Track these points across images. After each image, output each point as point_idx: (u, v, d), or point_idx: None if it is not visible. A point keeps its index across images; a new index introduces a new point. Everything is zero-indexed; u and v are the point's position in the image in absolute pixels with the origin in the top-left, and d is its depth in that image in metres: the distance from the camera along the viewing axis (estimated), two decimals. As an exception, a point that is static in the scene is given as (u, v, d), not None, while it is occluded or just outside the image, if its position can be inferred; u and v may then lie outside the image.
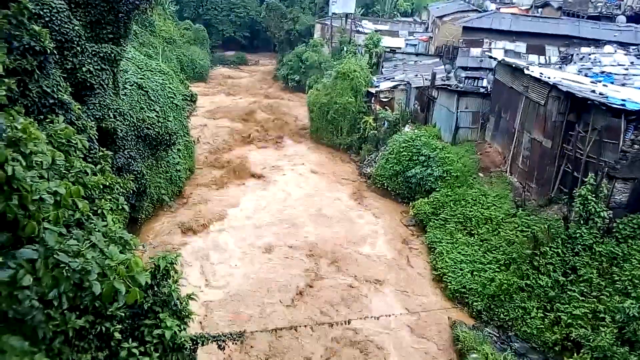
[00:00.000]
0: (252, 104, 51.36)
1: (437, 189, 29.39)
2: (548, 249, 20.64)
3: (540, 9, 54.04)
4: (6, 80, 7.95)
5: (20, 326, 6.65)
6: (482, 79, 35.87)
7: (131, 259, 7.48)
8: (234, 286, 22.36)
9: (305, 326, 18.29)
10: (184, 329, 11.21)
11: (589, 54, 36.36)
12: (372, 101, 39.33)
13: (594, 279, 19.49)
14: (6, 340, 6.21)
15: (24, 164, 6.65)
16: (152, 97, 28.84)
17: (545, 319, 19.41)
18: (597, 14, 47.96)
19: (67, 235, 7.47)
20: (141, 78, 29.38)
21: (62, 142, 10.62)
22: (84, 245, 7.26)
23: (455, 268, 23.28)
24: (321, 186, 33.61)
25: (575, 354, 17.14)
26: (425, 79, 37.28)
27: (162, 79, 31.65)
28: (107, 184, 13.50)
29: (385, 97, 38.84)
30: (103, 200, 12.18)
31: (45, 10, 17.86)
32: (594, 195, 20.15)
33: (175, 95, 32.19)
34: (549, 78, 25.21)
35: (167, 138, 27.00)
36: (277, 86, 60.49)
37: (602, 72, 30.50)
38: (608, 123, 21.32)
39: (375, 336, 19.66)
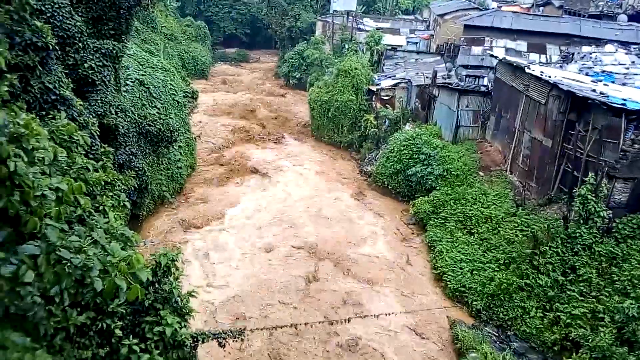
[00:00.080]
0: (253, 101, 51.33)
1: (438, 188, 29.41)
2: (548, 248, 20.67)
3: (541, 8, 54.04)
4: (8, 75, 7.95)
5: (22, 322, 6.66)
6: (483, 77, 35.86)
7: (132, 255, 7.49)
8: (234, 287, 22.24)
9: (305, 324, 18.27)
10: (185, 326, 11.24)
11: (590, 53, 36.34)
12: (373, 99, 39.31)
13: (594, 279, 19.51)
14: (8, 336, 6.23)
15: (26, 160, 6.65)
16: (154, 94, 28.84)
17: (545, 319, 19.43)
18: (599, 13, 47.94)
19: (68, 232, 7.48)
20: (143, 74, 29.38)
21: (64, 138, 10.63)
22: (86, 242, 7.27)
23: (455, 267, 23.28)
24: (322, 185, 33.59)
25: (574, 354, 17.14)
26: (426, 77, 37.29)
27: (164, 76, 31.64)
28: (109, 180, 13.50)
29: (386, 95, 38.83)
30: (104, 196, 12.18)
31: (47, 6, 17.86)
32: (593, 194, 20.16)
33: (176, 92, 32.20)
34: (549, 77, 25.22)
35: (169, 135, 26.99)
36: (278, 83, 60.47)
37: (603, 71, 30.48)
38: (608, 122, 21.33)
39: (374, 336, 19.59)
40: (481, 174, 29.58)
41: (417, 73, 40.45)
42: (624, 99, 21.66)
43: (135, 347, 9.93)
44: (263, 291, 22.03)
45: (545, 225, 21.67)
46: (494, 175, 28.98)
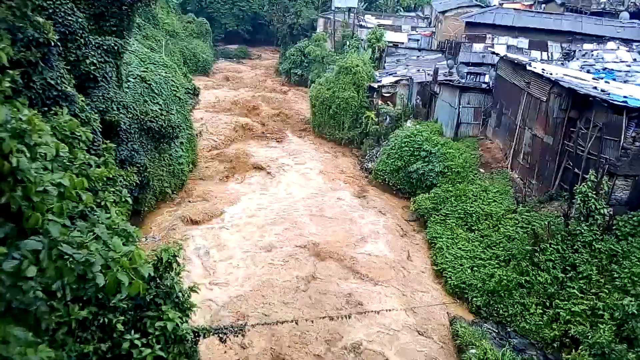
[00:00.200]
0: (254, 98, 51.33)
1: (438, 185, 29.45)
2: (548, 245, 20.69)
3: (543, 5, 53.88)
4: (10, 71, 7.97)
5: (24, 317, 6.69)
6: (484, 74, 35.89)
7: (134, 251, 7.51)
8: (235, 285, 22.18)
9: (306, 320, 18.32)
10: (186, 321, 11.28)
11: (592, 51, 36.35)
12: (374, 96, 39.33)
13: (594, 276, 19.54)
14: (10, 331, 6.26)
15: (29, 155, 6.67)
16: (155, 90, 28.85)
17: (544, 316, 19.48)
18: (600, 10, 47.88)
19: (70, 227, 7.50)
20: (144, 71, 29.38)
21: (66, 134, 10.65)
22: (88, 237, 7.29)
23: (455, 264, 23.32)
24: (323, 182, 33.61)
25: (573, 351, 17.19)
26: (428, 74, 37.30)
27: (165, 72, 31.65)
28: (111, 176, 13.52)
29: (388, 92, 38.84)
30: (106, 192, 12.21)
31: (48, 2, 17.89)
32: (594, 192, 20.19)
33: (178, 89, 32.20)
34: (550, 74, 25.21)
35: (170, 131, 27.03)
36: (280, 80, 60.49)
37: (605, 69, 30.49)
38: (609, 120, 21.33)
39: (376, 337, 19.49)
40: (482, 171, 29.61)
41: (419, 70, 40.47)
42: (625, 97, 21.64)
43: (137, 342, 9.98)
44: (264, 290, 21.89)
45: (546, 223, 21.71)
46: (495, 172, 29.02)
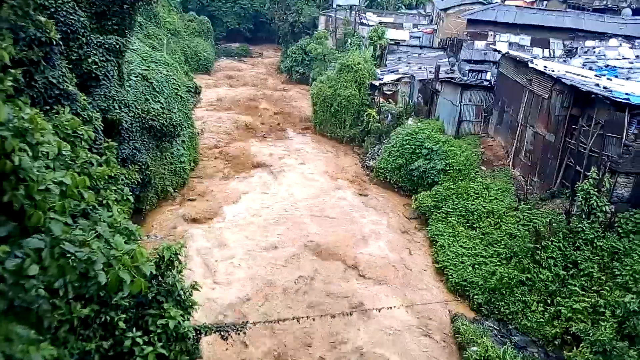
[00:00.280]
0: (255, 96, 51.35)
1: (440, 182, 29.44)
2: (549, 243, 20.70)
3: (545, 2, 53.73)
4: (12, 70, 7.99)
5: (26, 315, 6.72)
6: (486, 72, 35.85)
7: (136, 249, 7.55)
8: (236, 285, 22.10)
9: (307, 317, 18.34)
10: (188, 319, 11.33)
11: (594, 48, 36.28)
12: (376, 94, 39.31)
13: (595, 274, 19.55)
14: (12, 329, 6.30)
15: (31, 154, 6.70)
16: (157, 89, 28.87)
17: (546, 313, 19.49)
18: (603, 7, 47.78)
19: (72, 225, 7.55)
20: (146, 69, 29.39)
21: (68, 132, 10.71)
22: (90, 235, 7.33)
23: (456, 261, 23.32)
24: (324, 180, 33.58)
25: (574, 348, 17.22)
26: (429, 72, 37.28)
27: (167, 71, 31.64)
28: (112, 174, 13.56)
29: (389, 90, 38.83)
30: (108, 190, 12.26)
31: (50, 1, 17.93)
32: (596, 189, 20.19)
33: (179, 87, 32.20)
34: (552, 71, 25.18)
35: (172, 130, 27.08)
36: (281, 78, 60.46)
37: (607, 66, 30.44)
38: (612, 117, 21.30)
39: (379, 338, 19.43)
40: (483, 168, 29.60)
41: (420, 68, 40.44)
42: (628, 94, 21.63)
43: (139, 340, 10.04)
44: (266, 290, 21.82)
45: (547, 220, 21.70)
46: (497, 170, 29.01)
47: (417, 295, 22.13)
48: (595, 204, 20.06)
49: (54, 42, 15.55)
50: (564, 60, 33.60)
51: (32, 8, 13.76)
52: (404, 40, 52.07)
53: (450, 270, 23.00)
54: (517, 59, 29.36)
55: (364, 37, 51.43)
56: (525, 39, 40.56)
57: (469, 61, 39.09)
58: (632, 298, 17.23)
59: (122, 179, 15.51)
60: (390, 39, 48.89)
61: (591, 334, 17.07)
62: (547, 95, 25.25)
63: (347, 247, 25.43)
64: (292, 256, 24.47)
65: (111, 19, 21.99)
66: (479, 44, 40.56)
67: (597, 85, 23.44)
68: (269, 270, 23.31)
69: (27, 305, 6.61)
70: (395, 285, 22.74)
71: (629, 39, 37.82)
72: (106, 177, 12.52)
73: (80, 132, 11.02)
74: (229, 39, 76.61)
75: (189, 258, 22.68)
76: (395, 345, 19.12)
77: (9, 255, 6.18)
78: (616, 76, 27.35)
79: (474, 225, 25.39)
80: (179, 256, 11.46)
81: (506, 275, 20.98)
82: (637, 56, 33.83)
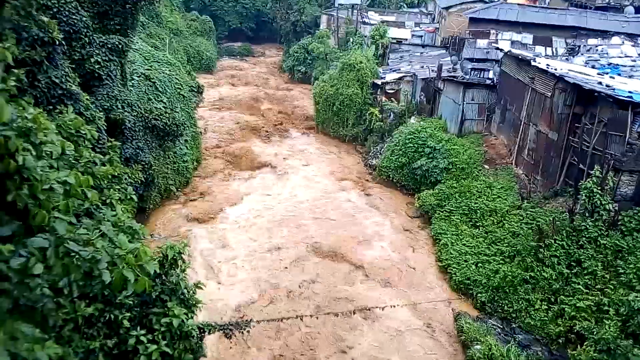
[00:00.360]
0: (258, 96, 51.34)
1: (443, 181, 29.40)
2: (553, 241, 20.68)
3: (547, 0, 53.67)
4: (15, 70, 8.01)
5: (31, 314, 6.73)
6: (489, 70, 35.79)
7: (140, 248, 7.56)
8: (239, 286, 22.04)
9: (310, 316, 18.35)
10: (192, 317, 11.35)
11: (596, 46, 36.20)
12: (378, 93, 39.29)
13: (599, 272, 19.53)
14: (17, 327, 6.31)
15: (34, 153, 6.71)
16: (160, 88, 28.91)
17: (549, 311, 19.47)
18: (605, 5, 47.71)
19: (77, 225, 7.55)
20: (148, 69, 29.44)
21: (72, 132, 10.71)
22: (94, 235, 7.34)
23: (459, 260, 23.29)
24: (326, 179, 33.55)
25: (578, 347, 17.19)
26: (432, 71, 37.23)
27: (169, 70, 31.69)
28: (116, 174, 13.58)
29: (391, 89, 38.81)
30: (112, 190, 12.30)
31: (53, 1, 17.95)
32: (599, 187, 20.16)
33: (182, 87, 32.24)
34: (555, 70, 25.14)
35: (175, 129, 27.11)
36: (283, 77, 60.44)
37: (609, 64, 30.39)
38: (614, 115, 21.27)
39: (382, 339, 19.37)
40: (486, 167, 29.58)
41: (422, 66, 40.41)
42: (631, 92, 21.59)
43: (143, 338, 10.07)
44: (269, 291, 21.75)
45: (551, 218, 21.69)
46: (500, 168, 28.99)
47: (420, 295, 22.04)
48: (598, 202, 20.03)
49: (57, 42, 15.58)
50: (566, 59, 33.54)
51: (35, 8, 13.79)
52: (406, 39, 52.00)
53: (454, 269, 22.98)
54: (520, 57, 29.31)
55: (366, 36, 51.37)
56: (527, 37, 40.50)
57: (471, 60, 39.03)
58: (636, 296, 17.21)
59: (126, 178, 15.56)
60: (392, 38, 48.84)
61: (595, 332, 17.04)
62: (549, 94, 25.22)
63: (351, 249, 25.32)
64: (295, 258, 24.33)
65: (114, 18, 22.03)
66: (481, 43, 40.50)
67: (600, 83, 23.41)
68: (273, 272, 23.19)
69: (32, 304, 6.63)
70: (400, 288, 22.57)
71: (631, 37, 37.73)
72: (110, 176, 12.54)
73: (84, 132, 11.03)
74: (231, 39, 76.61)
75: (192, 259, 22.64)
76: (399, 347, 19.03)
77: (13, 254, 6.19)
78: (619, 74, 27.31)
79: (477, 224, 25.37)
80: (182, 255, 11.48)
81: (509, 273, 20.97)
82: (639, 54, 33.74)
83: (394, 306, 19.85)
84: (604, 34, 38.61)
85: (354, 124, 39.98)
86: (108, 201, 11.58)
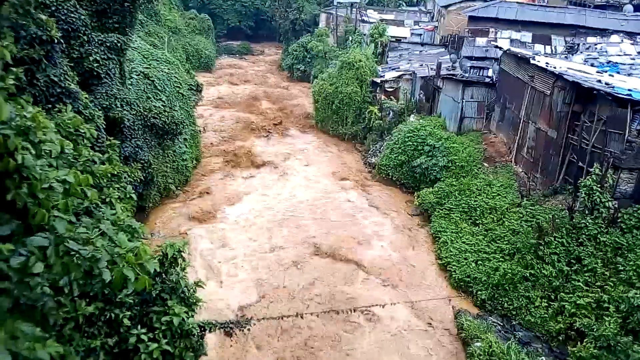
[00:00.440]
0: (257, 94, 51.28)
1: (442, 179, 29.40)
2: (552, 238, 20.68)
3: (546, -2, 53.65)
4: (14, 69, 7.98)
5: (32, 313, 6.72)
6: (488, 68, 35.77)
7: (140, 247, 7.54)
8: (239, 286, 21.99)
9: (311, 314, 18.34)
10: (192, 315, 11.34)
11: (595, 44, 36.19)
12: (377, 91, 39.26)
13: (599, 269, 19.54)
14: (18, 327, 6.30)
15: (34, 152, 6.69)
16: (159, 87, 28.88)
17: (549, 309, 19.47)
18: (604, 3, 47.69)
19: (76, 223, 7.54)
20: (147, 67, 29.39)
21: (71, 131, 10.69)
22: (94, 233, 7.33)
23: (459, 257, 23.30)
24: (326, 178, 33.51)
25: (579, 344, 17.21)
26: (431, 69, 37.22)
27: (168, 69, 31.66)
28: (115, 172, 13.57)
29: (391, 87, 38.78)
30: (111, 188, 12.27)
31: (51, 0, 17.91)
32: (599, 185, 20.17)
33: (181, 85, 32.22)
34: (554, 68, 25.14)
35: (174, 127, 27.09)
36: (282, 76, 60.41)
37: (609, 62, 30.37)
38: (614, 113, 21.27)
39: (383, 339, 19.34)
40: (486, 165, 29.58)
41: (422, 65, 40.37)
42: (630, 90, 21.59)
43: (144, 337, 10.05)
44: (269, 291, 21.70)
45: (550, 216, 21.69)
46: (499, 166, 29.00)
47: (421, 294, 22.00)
48: (598, 199, 20.05)
49: (55, 41, 15.53)
50: (565, 57, 33.55)
51: (33, 6, 13.73)
52: (405, 38, 51.95)
53: (454, 267, 22.99)
54: (519, 55, 29.31)
55: (365, 35, 51.36)
56: (526, 36, 40.51)
57: (470, 58, 39.02)
58: (636, 293, 17.25)
59: (125, 177, 15.51)
60: (392, 36, 48.78)
61: (595, 329, 17.06)
62: (549, 92, 25.21)
63: (351, 248, 25.27)
64: (295, 258, 24.27)
65: (112, 17, 21.98)
66: (480, 41, 40.48)
67: (599, 81, 23.41)
68: (273, 272, 23.13)
69: (33, 303, 6.61)
70: (400, 288, 22.51)
71: (630, 35, 37.76)
72: (109, 175, 12.53)
73: (83, 131, 11.01)
74: (230, 37, 76.55)
75: (192, 258, 22.62)
76: (400, 347, 19.00)
77: (13, 254, 6.18)
78: (618, 72, 27.30)
79: (477, 222, 25.38)
80: (182, 253, 11.47)
81: (509, 271, 20.98)
82: (638, 52, 33.73)
83: (394, 304, 19.84)
84: (603, 32, 38.63)
85: (353, 122, 39.97)
86: (107, 200, 11.55)
